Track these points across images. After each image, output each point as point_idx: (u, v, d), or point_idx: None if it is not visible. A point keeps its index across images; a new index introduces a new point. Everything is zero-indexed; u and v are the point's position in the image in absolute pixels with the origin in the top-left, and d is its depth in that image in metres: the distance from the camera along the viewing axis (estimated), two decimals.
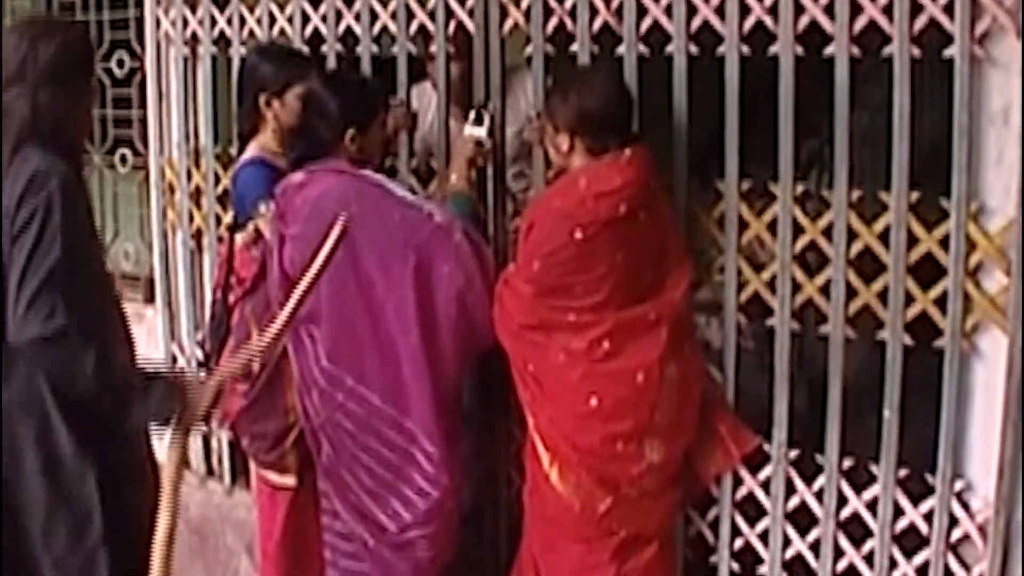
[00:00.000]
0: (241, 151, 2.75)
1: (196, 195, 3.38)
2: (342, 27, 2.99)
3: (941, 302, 2.31)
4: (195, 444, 3.45)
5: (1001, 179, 2.25)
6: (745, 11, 2.41)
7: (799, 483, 2.52)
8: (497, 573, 2.82)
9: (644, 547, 2.46)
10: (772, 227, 2.46)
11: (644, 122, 2.49)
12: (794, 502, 2.53)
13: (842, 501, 2.47)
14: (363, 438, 2.48)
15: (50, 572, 2.06)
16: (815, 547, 2.52)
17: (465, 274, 2.43)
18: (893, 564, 2.44)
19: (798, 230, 2.44)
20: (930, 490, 2.38)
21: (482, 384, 2.85)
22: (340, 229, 2.06)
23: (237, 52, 3.18)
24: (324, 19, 3.01)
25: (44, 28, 2.08)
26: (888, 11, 2.25)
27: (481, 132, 2.60)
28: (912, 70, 2.27)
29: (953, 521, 2.36)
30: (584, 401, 2.37)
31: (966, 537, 2.36)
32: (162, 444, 2.06)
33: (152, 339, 3.53)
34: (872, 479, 2.43)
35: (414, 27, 2.87)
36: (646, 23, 2.53)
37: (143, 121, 3.53)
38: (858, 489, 2.46)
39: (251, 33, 3.18)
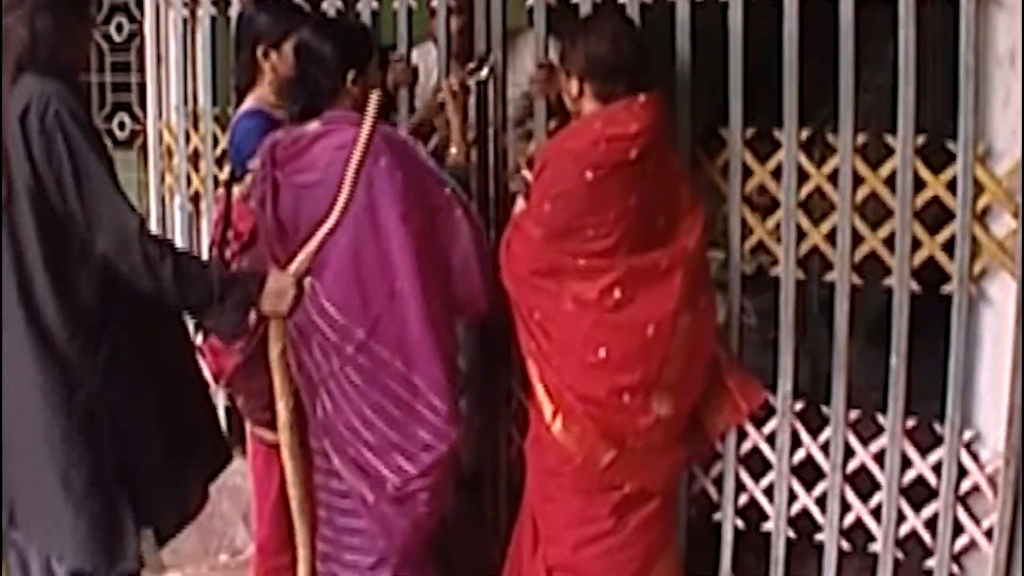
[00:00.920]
0: (238, 104, 2.73)
1: (194, 158, 3.37)
2: None
3: (948, 247, 2.28)
4: None
5: (1008, 121, 2.22)
6: None
7: (805, 436, 2.48)
8: (497, 534, 2.78)
9: (645, 503, 2.42)
10: (776, 174, 2.43)
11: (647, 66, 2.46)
12: (800, 455, 2.49)
13: (849, 453, 2.43)
14: (370, 393, 2.43)
15: (71, 511, 2.04)
16: (821, 502, 2.48)
17: (462, 250, 2.44)
18: (901, 518, 2.40)
19: (803, 176, 2.40)
20: (938, 441, 2.34)
21: (483, 343, 2.83)
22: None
23: (236, 12, 3.15)
24: None
25: None
26: None
27: (481, 75, 2.57)
28: (917, 11, 2.24)
29: (962, 472, 2.33)
30: (592, 352, 2.33)
31: (976, 489, 2.32)
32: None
33: None
34: (879, 430, 2.39)
35: None
36: None
37: (142, 86, 3.52)
38: (865, 441, 2.42)
39: None
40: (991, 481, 2.29)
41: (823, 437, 2.45)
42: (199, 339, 2.80)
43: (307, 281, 2.10)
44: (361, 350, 2.40)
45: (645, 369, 2.34)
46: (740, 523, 2.58)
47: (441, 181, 2.44)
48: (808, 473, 2.49)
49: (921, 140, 2.28)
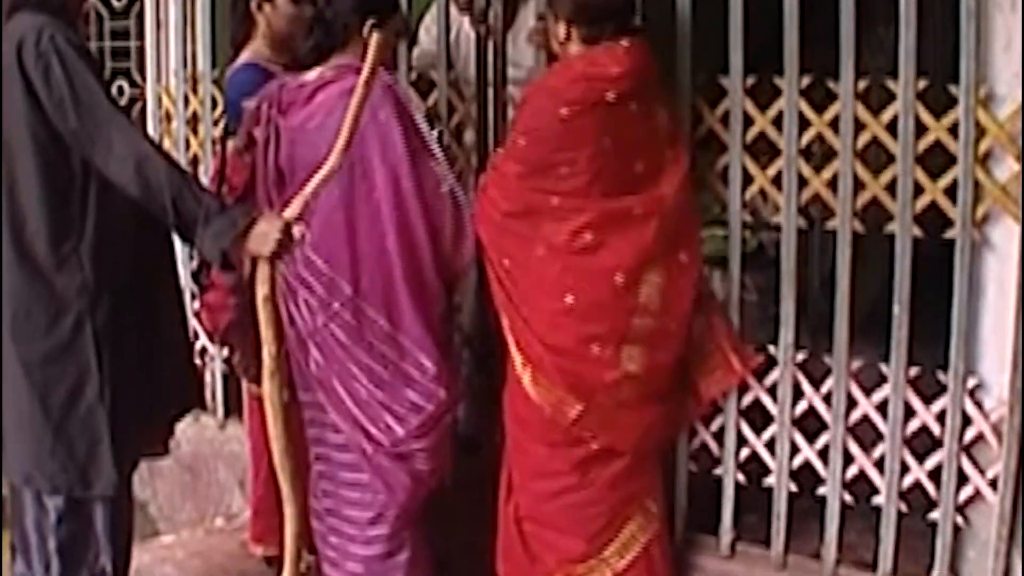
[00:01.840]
0: (234, 58, 2.72)
1: (193, 121, 3.36)
2: None
3: (951, 193, 2.26)
4: None
5: (1010, 65, 2.20)
6: None
7: (807, 387, 2.45)
8: (495, 497, 2.74)
9: (613, 460, 2.38)
10: (777, 122, 2.41)
11: (646, 16, 2.46)
12: (802, 407, 2.47)
13: (851, 404, 2.41)
14: (355, 351, 2.41)
15: (50, 433, 2.07)
16: (823, 455, 2.45)
17: (447, 210, 2.41)
18: (905, 469, 2.37)
19: (804, 124, 2.38)
20: (942, 389, 2.31)
21: (480, 304, 2.81)
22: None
23: None
24: None
25: None
26: None
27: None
28: None
29: (966, 421, 2.30)
30: (560, 298, 2.31)
31: (980, 438, 2.30)
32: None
33: None
34: (882, 380, 2.37)
35: None
36: None
37: (141, 51, 3.51)
38: (868, 391, 2.39)
39: None
40: (995, 429, 2.27)
41: (826, 387, 2.43)
42: (195, 302, 2.80)
43: (298, 228, 2.07)
44: (347, 306, 2.38)
45: (613, 320, 2.30)
46: (742, 478, 2.56)
47: (433, 153, 2.40)
48: (810, 425, 2.47)
49: (922, 84, 2.26)
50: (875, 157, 2.34)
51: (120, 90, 3.58)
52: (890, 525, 2.38)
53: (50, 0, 2.01)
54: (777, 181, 2.43)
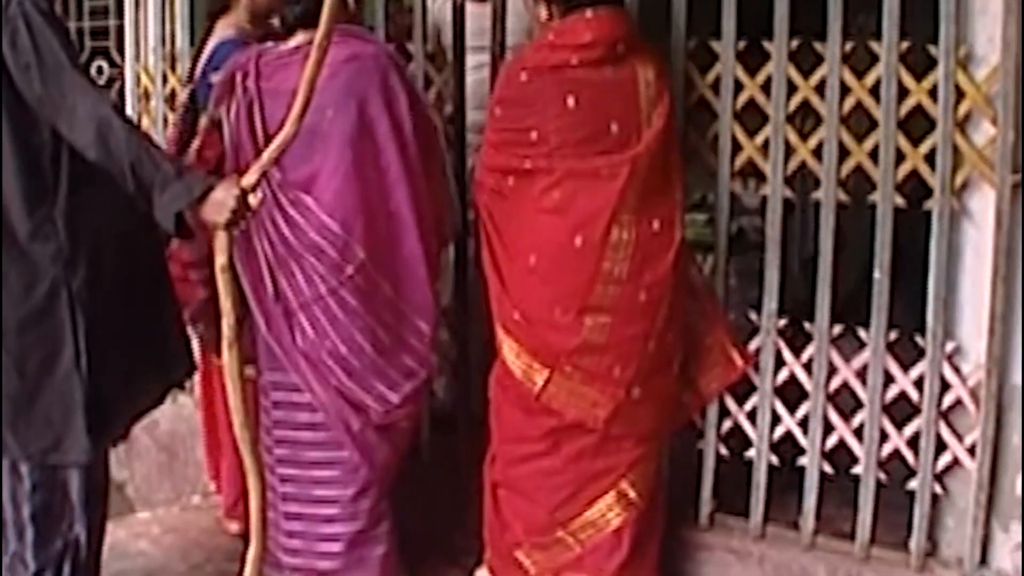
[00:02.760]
0: (210, 29, 2.69)
1: (171, 99, 3.33)
2: None
3: (931, 160, 2.27)
4: None
5: (986, 29, 2.22)
6: None
7: (788, 355, 2.46)
8: (469, 472, 2.70)
9: (583, 435, 2.35)
10: (766, 88, 2.42)
11: None
12: (783, 375, 2.47)
13: (832, 372, 2.41)
14: (364, 316, 2.38)
15: (25, 401, 2.04)
16: (804, 424, 2.45)
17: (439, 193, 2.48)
18: (884, 437, 2.37)
19: (792, 89, 2.40)
20: (920, 355, 2.32)
21: (459, 276, 2.82)
22: None
23: None
24: None
25: None
26: None
27: None
28: None
29: (944, 387, 2.31)
30: (525, 257, 2.33)
31: (958, 403, 2.31)
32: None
33: None
34: (862, 346, 2.37)
35: None
36: None
37: (120, 30, 3.49)
38: (848, 358, 2.40)
39: None
40: (973, 394, 2.28)
41: (806, 355, 2.43)
42: None
43: (255, 196, 2.04)
44: (360, 271, 2.36)
45: (576, 283, 2.28)
46: (724, 451, 2.56)
47: (434, 125, 2.46)
48: (791, 394, 2.47)
49: (905, 46, 2.27)
50: (857, 123, 2.35)
51: (100, 70, 3.57)
52: (868, 494, 2.38)
53: None
54: (764, 150, 2.44)
